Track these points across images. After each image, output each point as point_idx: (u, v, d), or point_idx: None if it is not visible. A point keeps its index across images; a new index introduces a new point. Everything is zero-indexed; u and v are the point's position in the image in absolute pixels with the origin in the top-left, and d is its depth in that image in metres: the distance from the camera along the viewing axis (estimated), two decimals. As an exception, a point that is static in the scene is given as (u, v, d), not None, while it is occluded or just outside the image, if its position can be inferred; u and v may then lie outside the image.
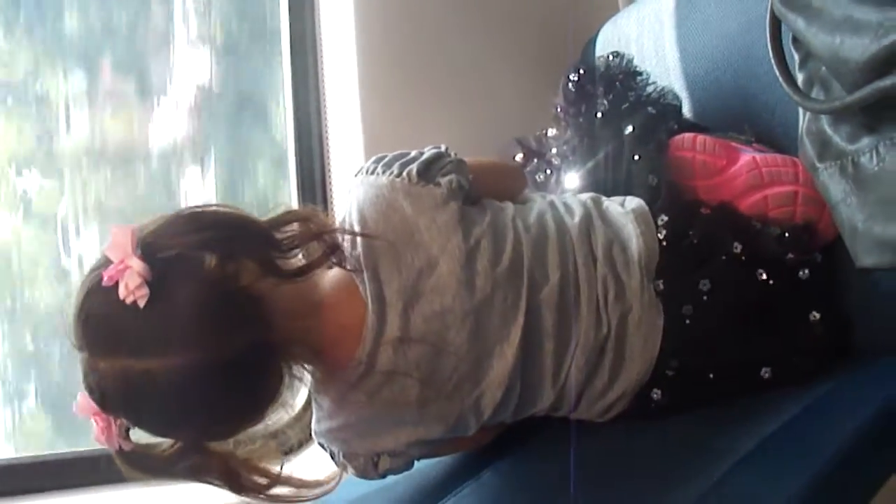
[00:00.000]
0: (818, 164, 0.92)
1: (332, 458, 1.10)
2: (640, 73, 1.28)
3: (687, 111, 1.34)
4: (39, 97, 1.80)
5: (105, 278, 0.91)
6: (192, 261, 0.94)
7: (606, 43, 1.61)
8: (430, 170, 1.08)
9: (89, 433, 0.98)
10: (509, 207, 1.12)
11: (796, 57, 0.94)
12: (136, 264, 0.90)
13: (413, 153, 1.11)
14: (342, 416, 1.05)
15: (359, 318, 1.02)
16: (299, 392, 1.04)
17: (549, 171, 1.32)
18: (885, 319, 1.06)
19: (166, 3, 1.90)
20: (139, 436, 0.99)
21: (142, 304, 0.90)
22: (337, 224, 1.09)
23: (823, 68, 0.89)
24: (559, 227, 1.09)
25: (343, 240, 1.05)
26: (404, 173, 1.07)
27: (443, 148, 1.13)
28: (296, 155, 1.83)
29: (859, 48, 0.78)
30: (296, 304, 1.01)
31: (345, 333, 1.03)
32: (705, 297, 1.06)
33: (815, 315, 1.06)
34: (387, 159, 1.11)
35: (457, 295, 1.03)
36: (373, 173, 1.10)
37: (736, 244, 1.08)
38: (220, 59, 1.96)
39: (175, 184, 1.91)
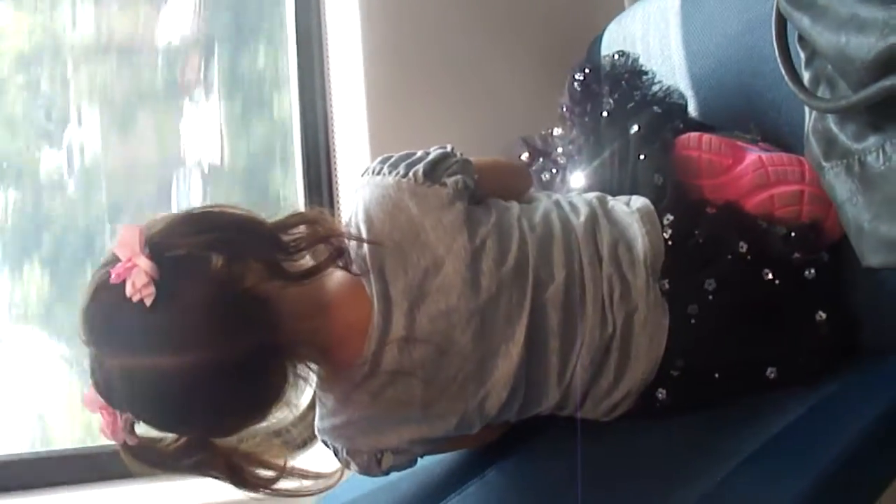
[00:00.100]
0: (824, 163, 0.92)
1: (336, 454, 1.10)
2: (646, 72, 1.28)
3: (693, 110, 1.33)
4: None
5: (113, 276, 0.92)
6: (199, 261, 0.95)
7: (612, 42, 1.61)
8: (436, 170, 1.08)
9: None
10: (515, 207, 1.12)
11: (802, 55, 0.94)
12: (144, 263, 0.91)
13: (419, 153, 1.11)
14: (345, 413, 1.06)
15: (364, 317, 1.03)
16: (304, 391, 1.04)
17: (554, 171, 1.32)
18: (892, 318, 1.05)
19: None
20: (144, 429, 1.00)
21: (148, 302, 0.91)
22: (343, 224, 1.09)
23: (829, 67, 0.88)
24: (565, 226, 1.09)
25: (346, 237, 1.05)
26: (410, 173, 1.08)
27: (449, 148, 1.13)
28: (302, 154, 1.84)
29: (865, 47, 0.78)
30: (302, 305, 1.01)
31: (350, 333, 1.03)
32: (711, 297, 1.06)
33: (822, 315, 1.06)
34: (393, 159, 1.11)
35: (462, 295, 1.03)
36: (379, 173, 1.10)
37: (742, 243, 1.07)
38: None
39: (179, 78, 1.93)
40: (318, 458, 1.12)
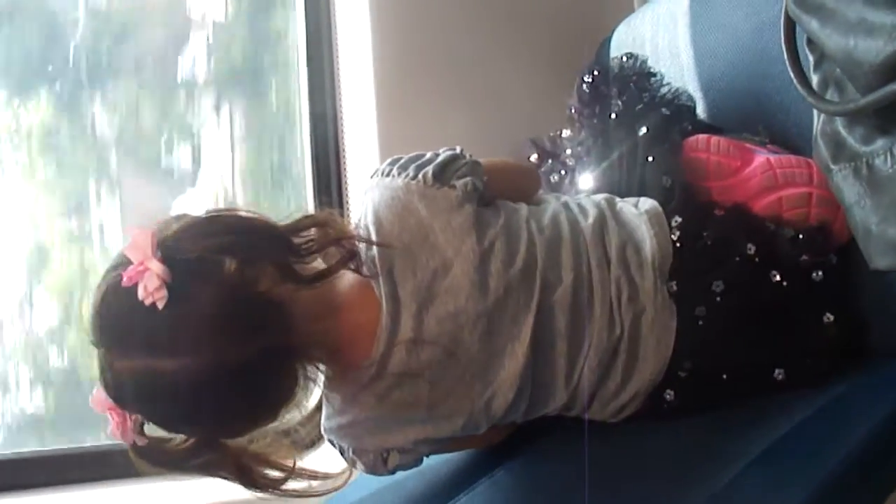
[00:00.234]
0: (832, 166, 0.92)
1: (342, 454, 1.11)
2: (654, 74, 1.28)
3: (701, 112, 1.34)
4: None
5: (125, 279, 0.92)
6: (211, 265, 0.95)
7: (621, 43, 1.61)
8: (445, 172, 1.08)
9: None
10: (523, 209, 1.12)
11: (811, 58, 0.94)
12: (156, 266, 0.91)
13: (428, 155, 1.11)
14: (352, 413, 1.06)
15: (373, 319, 1.03)
16: (313, 392, 1.05)
17: (563, 172, 1.32)
18: (900, 321, 1.05)
19: None
20: (152, 428, 1.00)
21: (161, 305, 0.91)
22: (352, 225, 1.10)
23: (838, 70, 0.89)
24: (573, 228, 1.10)
25: (357, 240, 1.06)
26: (420, 175, 1.08)
27: (458, 150, 1.13)
28: (312, 156, 1.84)
29: (873, 50, 0.78)
30: (314, 307, 1.01)
31: (359, 334, 1.03)
32: (719, 299, 1.06)
33: (829, 317, 1.06)
34: (402, 161, 1.11)
35: (470, 296, 1.03)
36: (388, 175, 1.10)
37: (750, 245, 1.07)
38: None
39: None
40: (326, 458, 1.12)
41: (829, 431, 0.97)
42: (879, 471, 0.95)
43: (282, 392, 0.99)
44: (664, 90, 1.27)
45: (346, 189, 1.82)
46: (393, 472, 1.11)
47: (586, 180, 1.26)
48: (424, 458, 1.14)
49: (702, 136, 1.20)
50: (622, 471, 1.03)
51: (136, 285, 0.92)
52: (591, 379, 1.06)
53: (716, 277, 1.06)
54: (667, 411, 1.07)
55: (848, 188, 0.90)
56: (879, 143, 0.85)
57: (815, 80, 0.93)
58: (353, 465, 1.10)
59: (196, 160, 1.99)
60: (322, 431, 1.11)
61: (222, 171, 1.99)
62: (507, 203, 1.13)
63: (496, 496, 1.12)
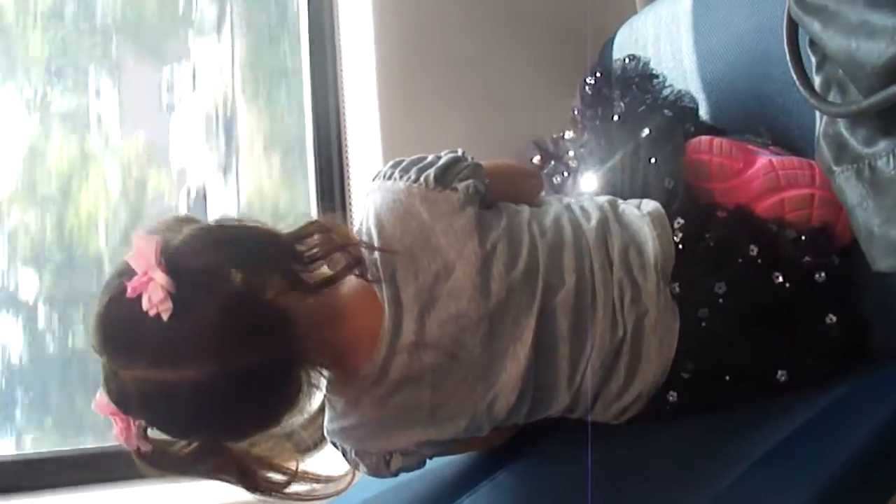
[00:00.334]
0: (834, 168, 0.92)
1: (345, 456, 1.11)
2: (657, 76, 1.28)
3: (704, 113, 1.34)
4: None
5: (129, 290, 0.91)
6: (217, 277, 0.95)
7: (623, 45, 1.61)
8: (446, 175, 1.09)
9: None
10: (525, 211, 1.12)
11: (813, 60, 0.94)
12: (160, 277, 0.91)
13: (430, 158, 1.12)
14: (355, 416, 1.06)
15: (376, 322, 1.03)
16: (315, 396, 1.05)
17: (566, 174, 1.32)
18: (902, 322, 1.06)
19: None
20: (156, 431, 1.00)
21: (165, 317, 0.91)
22: (355, 228, 1.10)
23: (840, 71, 0.89)
24: (575, 230, 1.10)
25: (362, 246, 1.06)
26: (421, 178, 1.08)
27: (459, 152, 1.13)
28: (315, 158, 1.85)
29: (875, 52, 0.78)
30: (318, 314, 1.01)
31: (362, 338, 1.03)
32: (721, 300, 1.06)
33: (832, 318, 1.06)
34: (404, 164, 1.11)
35: (472, 299, 1.04)
36: (390, 178, 1.10)
37: (752, 247, 1.07)
38: None
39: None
40: (329, 460, 1.12)
41: (831, 433, 0.97)
42: (882, 472, 0.95)
43: (285, 399, 1.00)
44: (667, 92, 1.27)
45: (349, 191, 1.82)
46: (396, 475, 1.11)
47: (589, 182, 1.26)
48: (427, 460, 1.14)
49: (704, 138, 1.20)
50: (625, 472, 1.03)
51: (140, 296, 0.91)
52: (593, 380, 1.07)
53: (718, 279, 1.06)
54: (669, 413, 1.07)
55: (850, 190, 0.90)
56: (882, 144, 0.85)
57: (817, 81, 0.93)
58: (355, 467, 1.10)
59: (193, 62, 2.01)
60: (325, 434, 1.11)
61: (221, 65, 2.00)
62: (509, 205, 1.13)
63: (498, 498, 1.12)
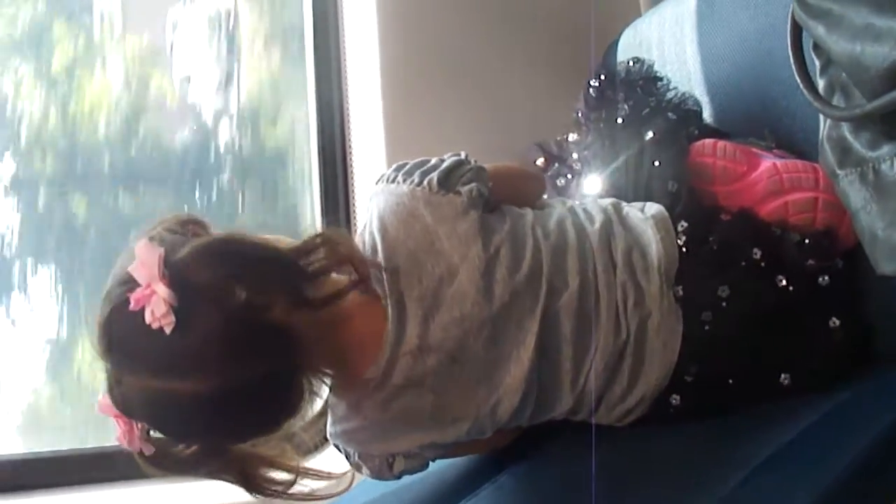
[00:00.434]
0: (838, 171, 0.92)
1: (348, 458, 1.11)
2: (661, 79, 1.28)
3: (708, 116, 1.34)
4: None
5: (132, 302, 0.92)
6: (221, 293, 0.94)
7: (628, 47, 1.61)
8: (450, 178, 1.09)
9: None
10: (529, 214, 1.12)
11: (817, 63, 0.93)
12: (163, 291, 0.91)
13: (433, 161, 1.12)
14: (357, 419, 1.06)
15: (379, 327, 1.03)
16: (316, 402, 1.05)
17: (569, 176, 1.32)
18: (907, 326, 1.05)
19: None
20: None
21: (168, 330, 0.91)
22: (358, 231, 1.10)
23: (844, 75, 0.89)
24: (579, 233, 1.10)
25: (365, 246, 1.06)
26: (425, 182, 1.08)
27: (463, 155, 1.13)
28: (319, 162, 1.85)
29: (880, 56, 0.78)
30: (322, 325, 1.01)
31: (366, 342, 1.04)
32: (724, 304, 1.05)
33: (836, 321, 1.06)
34: (407, 167, 1.12)
35: (475, 303, 1.04)
36: (393, 181, 1.10)
37: (756, 250, 1.07)
38: None
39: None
40: (330, 461, 1.12)
41: (834, 437, 0.97)
42: (885, 476, 0.94)
43: (287, 406, 1.00)
44: (671, 94, 1.27)
45: (353, 195, 1.82)
46: (398, 477, 1.11)
47: (592, 184, 1.26)
48: (430, 463, 1.14)
49: (708, 141, 1.20)
50: (627, 475, 1.03)
51: (143, 308, 0.91)
52: (597, 383, 1.07)
53: (722, 282, 1.06)
54: (673, 416, 1.07)
55: (854, 193, 0.90)
56: (885, 148, 0.85)
57: (821, 84, 0.93)
58: (358, 469, 1.11)
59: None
60: (327, 436, 1.11)
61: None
62: (513, 208, 1.13)
63: (500, 500, 1.12)
